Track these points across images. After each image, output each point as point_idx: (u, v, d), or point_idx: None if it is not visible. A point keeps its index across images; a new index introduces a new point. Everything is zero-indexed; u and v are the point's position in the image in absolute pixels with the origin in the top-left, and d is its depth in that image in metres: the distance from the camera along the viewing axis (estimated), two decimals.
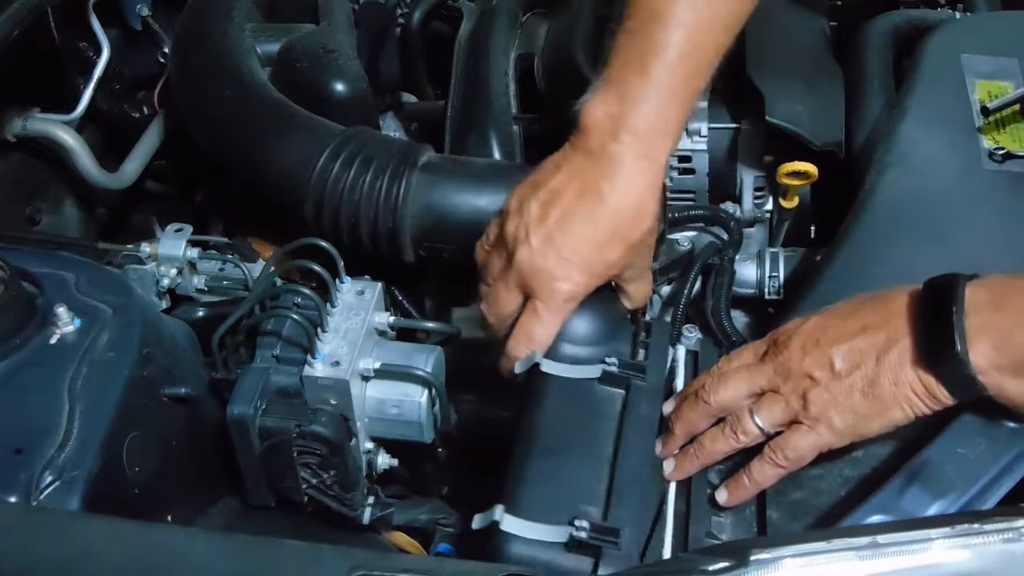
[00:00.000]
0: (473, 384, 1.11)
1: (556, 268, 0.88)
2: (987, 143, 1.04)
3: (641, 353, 0.92)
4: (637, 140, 0.88)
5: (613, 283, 0.95)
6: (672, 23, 0.88)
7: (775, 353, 0.83)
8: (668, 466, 0.87)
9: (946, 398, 0.77)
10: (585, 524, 0.76)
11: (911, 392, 0.78)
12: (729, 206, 1.23)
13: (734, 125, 1.24)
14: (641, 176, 0.89)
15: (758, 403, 0.83)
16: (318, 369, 0.94)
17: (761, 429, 0.82)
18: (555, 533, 0.78)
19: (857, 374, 0.79)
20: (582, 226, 0.88)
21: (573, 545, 0.77)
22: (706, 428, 0.86)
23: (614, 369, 0.89)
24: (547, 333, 0.90)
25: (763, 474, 0.83)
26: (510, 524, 0.78)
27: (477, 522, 0.79)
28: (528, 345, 0.91)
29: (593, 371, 0.90)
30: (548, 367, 0.90)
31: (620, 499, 0.80)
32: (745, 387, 0.84)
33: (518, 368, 0.91)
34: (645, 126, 0.88)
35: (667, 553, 0.81)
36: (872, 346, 0.79)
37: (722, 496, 0.85)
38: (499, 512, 0.79)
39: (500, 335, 0.94)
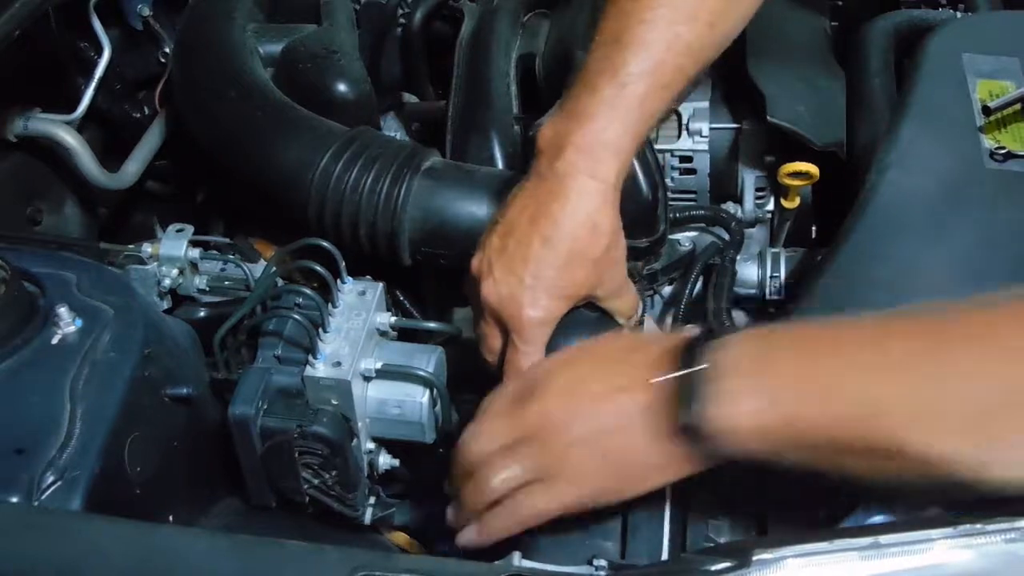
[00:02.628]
0: (474, 384, 1.11)
1: (521, 296, 0.87)
2: (988, 143, 1.04)
3: None
4: (581, 157, 0.86)
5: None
6: (628, 44, 0.87)
7: (527, 401, 0.78)
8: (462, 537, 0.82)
9: (704, 463, 0.73)
10: (603, 563, 0.76)
11: (663, 460, 0.74)
12: (730, 206, 1.23)
13: (735, 125, 1.24)
14: (588, 195, 0.87)
15: (503, 459, 0.78)
16: (320, 369, 0.94)
17: (505, 486, 0.78)
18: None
19: (607, 440, 0.75)
20: (540, 251, 0.86)
21: None
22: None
23: None
24: (532, 363, 0.88)
25: (495, 527, 0.79)
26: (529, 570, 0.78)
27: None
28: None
29: None
30: None
31: (635, 532, 0.80)
32: (494, 441, 0.79)
33: None
34: (589, 142, 0.87)
35: (664, 555, 0.81)
36: (625, 409, 0.74)
37: (460, 539, 0.82)
38: (517, 559, 0.78)
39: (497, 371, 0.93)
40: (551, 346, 0.90)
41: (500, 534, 0.80)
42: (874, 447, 0.66)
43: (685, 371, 0.72)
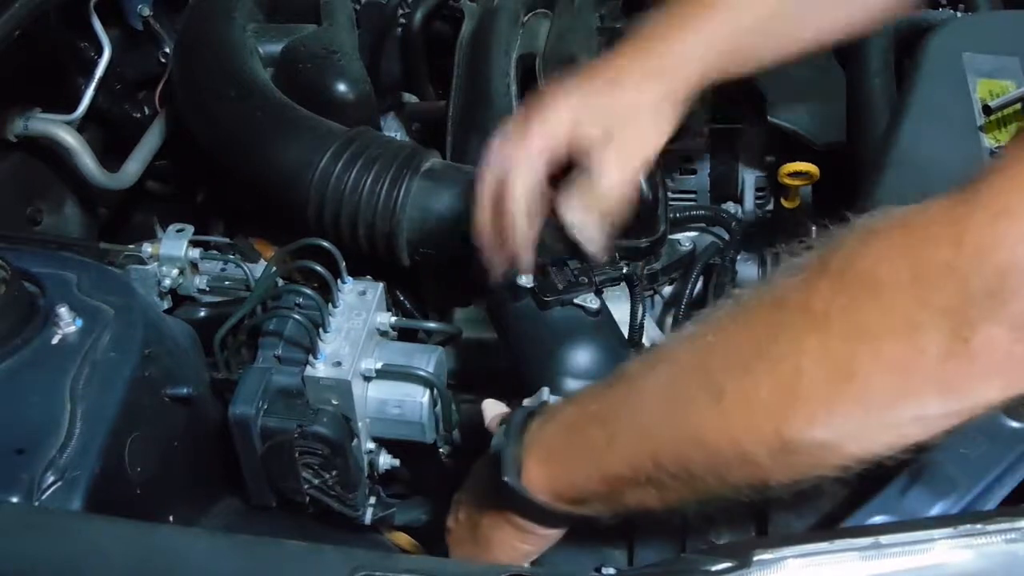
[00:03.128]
0: (474, 384, 1.11)
1: None
2: (989, 142, 1.04)
3: None
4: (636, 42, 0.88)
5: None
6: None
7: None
8: None
9: (545, 530, 0.78)
10: (611, 571, 0.77)
11: (513, 541, 0.79)
12: (731, 206, 1.23)
13: (736, 125, 1.24)
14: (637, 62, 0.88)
15: None
16: (320, 369, 0.94)
17: None
18: None
19: (473, 528, 0.83)
20: None
21: None
22: None
23: None
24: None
25: None
26: None
27: None
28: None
29: None
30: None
31: (643, 539, 0.80)
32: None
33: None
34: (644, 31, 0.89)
35: None
36: (475, 498, 0.83)
37: None
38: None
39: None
40: (554, 350, 0.90)
41: None
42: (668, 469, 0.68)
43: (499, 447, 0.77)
